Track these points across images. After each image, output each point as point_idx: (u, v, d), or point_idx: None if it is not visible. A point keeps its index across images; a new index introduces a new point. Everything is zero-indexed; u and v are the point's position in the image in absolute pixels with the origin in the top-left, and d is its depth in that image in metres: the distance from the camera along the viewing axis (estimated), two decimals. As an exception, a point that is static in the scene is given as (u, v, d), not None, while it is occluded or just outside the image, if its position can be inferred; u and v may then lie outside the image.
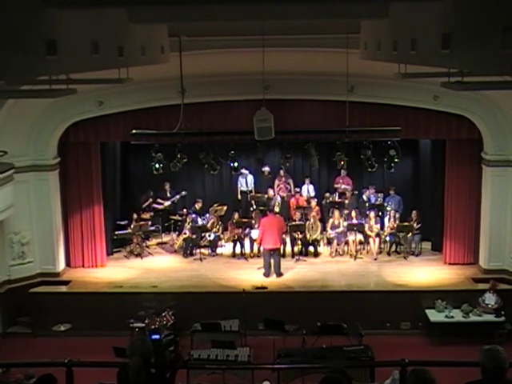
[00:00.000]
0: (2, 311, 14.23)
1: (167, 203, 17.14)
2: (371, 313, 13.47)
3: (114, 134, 15.16)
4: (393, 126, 14.37)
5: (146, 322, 12.94)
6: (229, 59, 13.19)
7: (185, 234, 16.43)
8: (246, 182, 17.46)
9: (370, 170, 15.07)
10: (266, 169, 17.17)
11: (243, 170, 17.02)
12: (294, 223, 16.12)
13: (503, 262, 14.55)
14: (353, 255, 15.98)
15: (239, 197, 17.55)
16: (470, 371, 5.15)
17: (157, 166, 14.91)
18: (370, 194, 16.86)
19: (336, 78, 13.52)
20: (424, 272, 15.03)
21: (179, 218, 16.98)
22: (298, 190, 17.21)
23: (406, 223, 15.88)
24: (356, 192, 17.06)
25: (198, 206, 16.87)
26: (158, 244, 17.36)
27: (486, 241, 14.74)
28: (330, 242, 16.45)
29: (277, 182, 17.31)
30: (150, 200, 17.11)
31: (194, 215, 16.55)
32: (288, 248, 16.29)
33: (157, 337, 11.57)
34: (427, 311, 13.61)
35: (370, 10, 8.14)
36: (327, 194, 17.03)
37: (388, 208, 16.37)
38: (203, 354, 11.41)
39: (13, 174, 13.62)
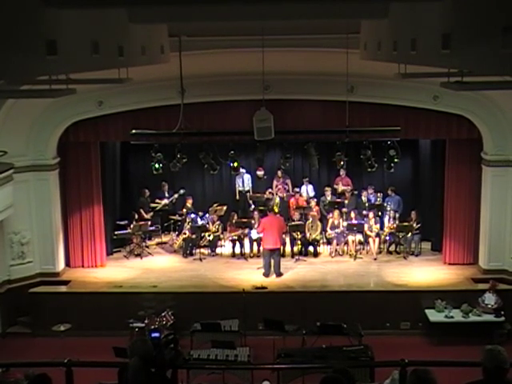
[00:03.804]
0: (2, 311, 14.22)
1: (164, 201, 17.11)
2: (371, 313, 13.46)
3: (114, 134, 15.16)
4: (393, 126, 14.37)
5: (146, 321, 12.92)
6: (229, 59, 13.19)
7: (184, 233, 16.43)
8: (242, 181, 17.42)
9: (369, 170, 15.05)
10: (260, 173, 17.09)
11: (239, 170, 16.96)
12: (293, 223, 16.12)
13: (503, 262, 14.55)
14: (352, 255, 15.97)
15: (237, 197, 17.54)
16: (470, 371, 5.16)
17: (157, 165, 14.90)
18: (368, 195, 16.84)
19: (336, 78, 13.51)
20: (424, 272, 15.03)
21: (179, 218, 16.97)
22: (297, 190, 17.20)
23: (406, 223, 15.88)
24: (356, 192, 17.05)
25: (189, 203, 16.84)
26: (157, 244, 17.36)
27: (486, 241, 14.73)
28: (329, 242, 16.45)
29: (275, 182, 17.28)
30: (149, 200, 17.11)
31: (193, 215, 16.55)
32: (288, 248, 16.28)
33: (157, 335, 11.55)
34: (427, 311, 13.60)
35: (369, 10, 8.14)
36: (327, 188, 16.87)
37: (387, 208, 16.37)
38: (203, 354, 11.38)
39: (12, 174, 13.62)
